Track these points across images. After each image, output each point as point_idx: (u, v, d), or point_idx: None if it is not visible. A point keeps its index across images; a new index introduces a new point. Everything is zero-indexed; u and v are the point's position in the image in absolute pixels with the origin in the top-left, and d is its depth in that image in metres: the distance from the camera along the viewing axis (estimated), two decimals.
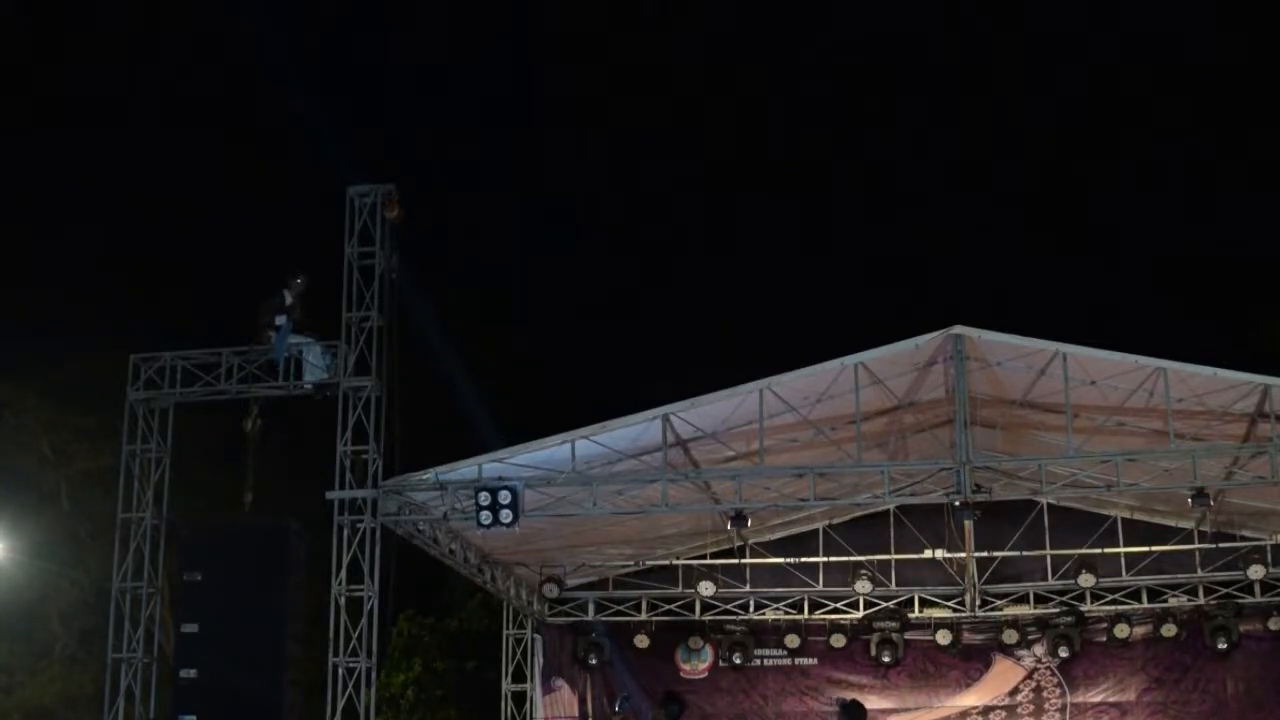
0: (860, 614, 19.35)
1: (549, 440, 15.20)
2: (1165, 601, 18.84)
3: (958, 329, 14.61)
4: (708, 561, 19.43)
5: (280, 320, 15.65)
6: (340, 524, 15.10)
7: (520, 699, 19.79)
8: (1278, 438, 14.11)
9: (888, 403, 15.95)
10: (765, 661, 19.77)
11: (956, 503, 14.84)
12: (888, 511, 18.80)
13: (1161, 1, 40.64)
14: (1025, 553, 18.79)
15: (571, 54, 41.80)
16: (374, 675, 15.24)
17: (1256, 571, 18.07)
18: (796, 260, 38.08)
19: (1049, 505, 18.59)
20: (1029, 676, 19.26)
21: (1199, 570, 18.62)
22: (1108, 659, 19.05)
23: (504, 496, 14.66)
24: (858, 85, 41.86)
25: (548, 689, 19.73)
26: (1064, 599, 18.95)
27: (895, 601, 19.27)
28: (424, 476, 15.34)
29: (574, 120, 41.16)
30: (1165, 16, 39.61)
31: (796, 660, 19.69)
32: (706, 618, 19.73)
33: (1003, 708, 19.24)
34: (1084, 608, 18.92)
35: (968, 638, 19.33)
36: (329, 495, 15.22)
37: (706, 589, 19.26)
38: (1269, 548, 18.13)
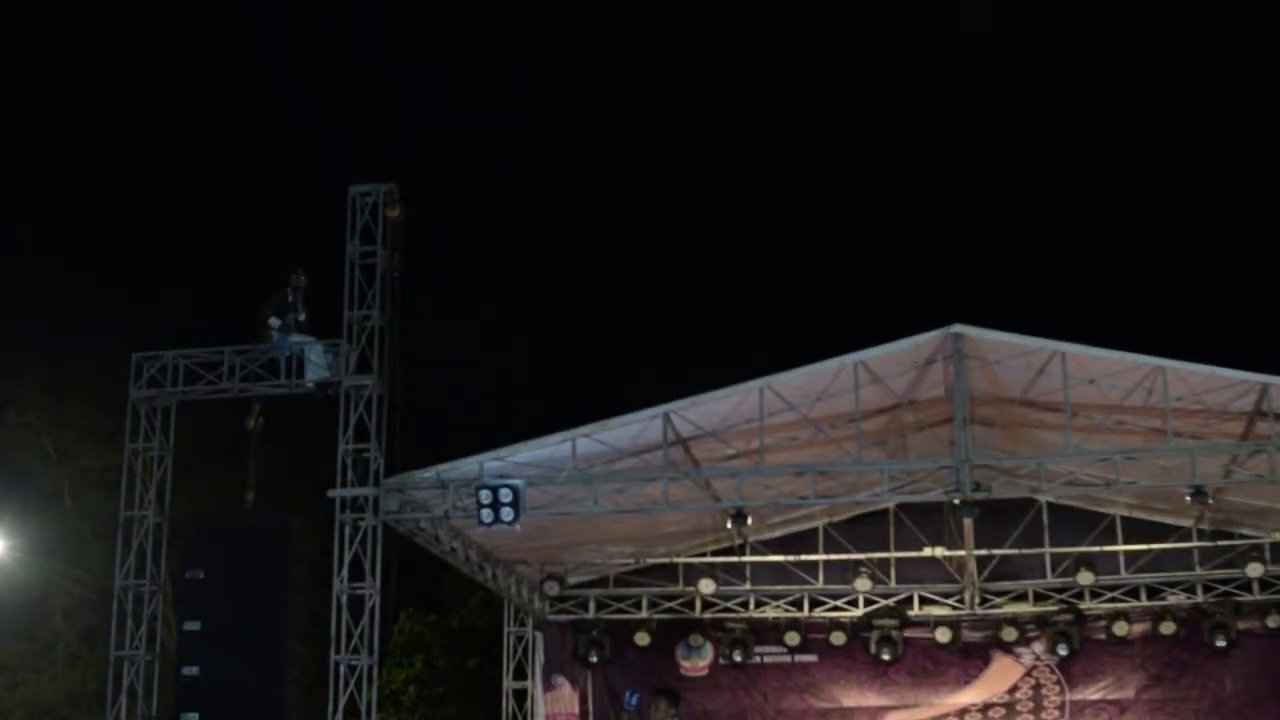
0: (860, 611, 19.41)
1: (550, 438, 15.26)
2: (1164, 599, 18.88)
3: (957, 327, 14.66)
4: (708, 559, 19.49)
5: (274, 322, 15.69)
6: (342, 522, 15.17)
7: (521, 696, 19.84)
8: (1276, 436, 14.16)
9: (887, 401, 16.00)
10: (765, 659, 19.80)
11: (956, 501, 14.88)
12: (887, 510, 18.85)
13: (1166, 6, 40.65)
14: (1024, 551, 18.83)
15: (571, 54, 41.86)
16: (375, 673, 15.30)
17: (1255, 569, 18.13)
18: (797, 258, 38.11)
19: (1048, 503, 18.64)
20: (1028, 674, 19.30)
21: (1197, 568, 18.67)
22: (1107, 656, 19.07)
23: (505, 495, 14.70)
24: (858, 84, 41.91)
25: (549, 686, 19.78)
26: (1063, 597, 18.99)
27: (895, 599, 19.33)
28: (425, 475, 15.40)
29: (575, 119, 41.19)
30: (1169, 19, 39.65)
31: (796, 658, 19.71)
32: (707, 615, 19.78)
33: (1002, 705, 19.27)
34: (1083, 605, 18.96)
35: (967, 635, 19.37)
36: (331, 493, 15.29)
37: (707, 587, 19.34)
38: (1267, 546, 18.18)
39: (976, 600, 19.19)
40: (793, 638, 19.50)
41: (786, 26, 42.65)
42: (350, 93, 41.59)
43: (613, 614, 19.92)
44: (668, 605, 19.80)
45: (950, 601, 19.33)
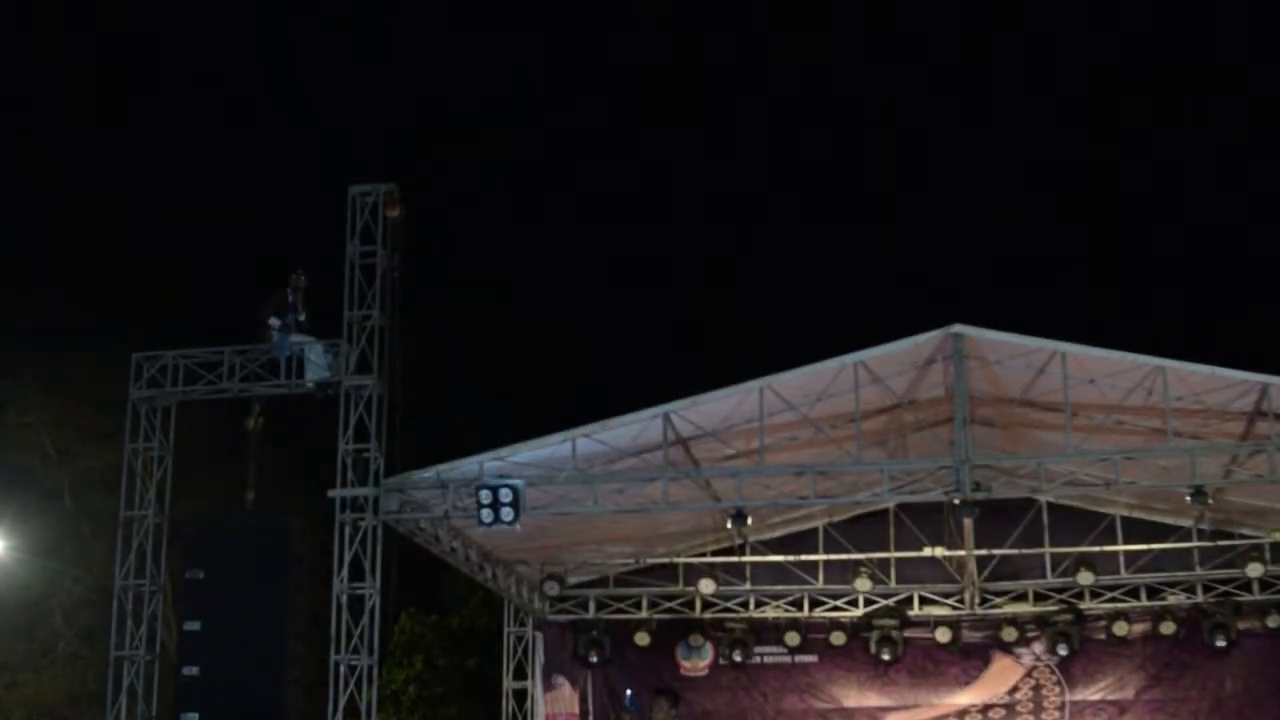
0: (860, 611, 19.41)
1: (550, 438, 15.26)
2: (1164, 599, 18.88)
3: (957, 327, 14.67)
4: (708, 559, 19.49)
5: (274, 322, 15.69)
6: (342, 522, 15.17)
7: (521, 696, 19.84)
8: (1276, 436, 14.16)
9: (887, 401, 16.01)
10: (765, 659, 19.80)
11: (956, 501, 14.88)
12: (887, 510, 18.86)
13: (1166, 6, 40.66)
14: (1024, 551, 18.84)
15: (572, 54, 41.84)
16: (375, 673, 15.30)
17: (1255, 569, 18.15)
18: (797, 258, 38.11)
19: (1048, 503, 18.64)
20: (1028, 674, 19.30)
21: (1197, 568, 18.68)
22: (1107, 657, 19.08)
23: (505, 495, 14.70)
24: (857, 85, 41.93)
25: (549, 686, 19.78)
26: (1063, 597, 19.00)
27: (895, 599, 19.33)
28: (425, 475, 15.40)
29: (575, 119, 41.19)
30: (1169, 18, 39.66)
31: (796, 658, 19.71)
32: (707, 615, 19.78)
33: (1002, 706, 19.27)
34: (1083, 605, 18.97)
35: (967, 635, 19.37)
36: (331, 493, 15.29)
37: (707, 587, 19.34)
38: (1267, 546, 18.20)
39: (976, 600, 19.19)
40: (793, 638, 19.50)
41: (786, 26, 42.67)
42: (350, 93, 41.60)
43: (613, 614, 19.92)
44: (668, 605, 19.80)
45: (950, 601, 19.33)
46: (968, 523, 16.77)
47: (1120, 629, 18.84)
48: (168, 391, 15.99)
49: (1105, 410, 15.38)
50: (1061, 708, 19.09)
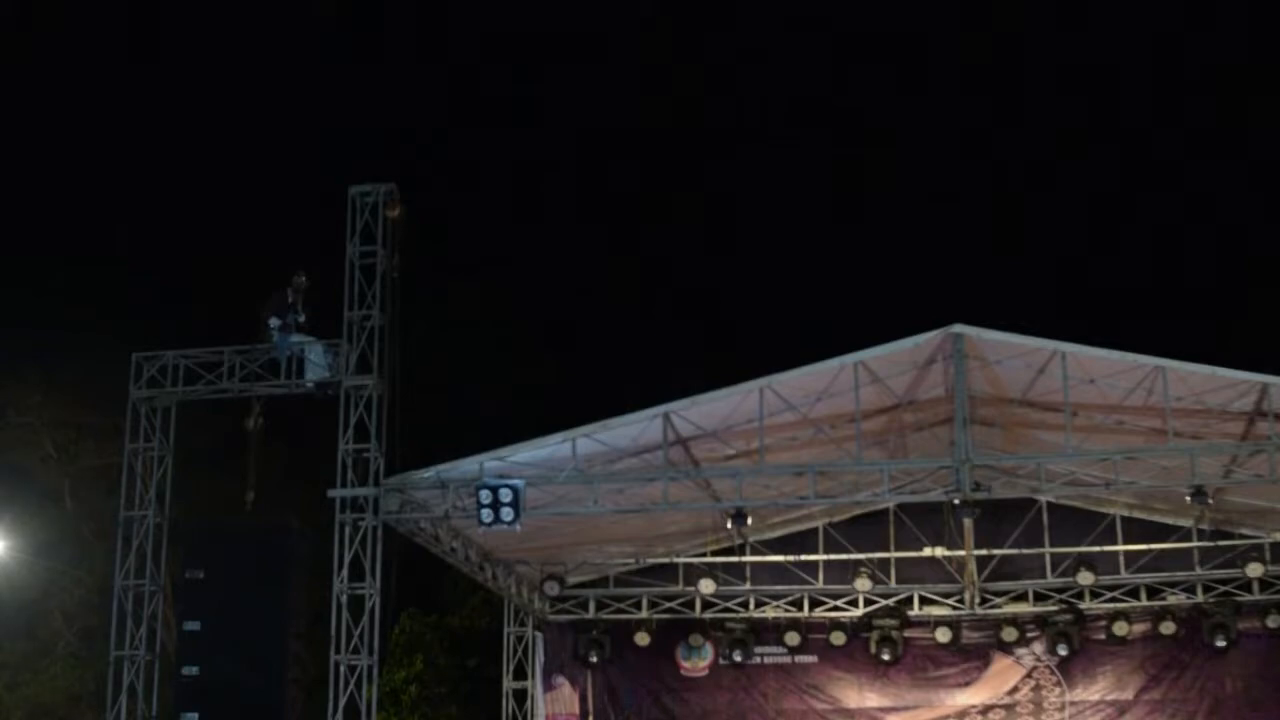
0: (860, 612, 19.41)
1: (550, 438, 15.27)
2: (1164, 599, 18.89)
3: (957, 327, 14.67)
4: (708, 559, 19.49)
5: (274, 322, 15.69)
6: (342, 522, 15.18)
7: (521, 696, 19.85)
8: (1276, 436, 14.17)
9: (887, 401, 16.00)
10: (765, 659, 19.82)
11: (956, 501, 14.89)
12: (887, 510, 18.88)
13: (1166, 6, 40.67)
14: (1024, 551, 18.86)
15: (571, 53, 41.86)
16: (375, 673, 15.31)
17: (1254, 569, 18.17)
18: (796, 259, 38.12)
19: (1048, 503, 18.67)
20: (1028, 675, 19.30)
21: (1197, 568, 18.69)
22: (1106, 657, 19.08)
23: (505, 495, 14.72)
24: (855, 85, 41.95)
25: (549, 686, 19.79)
26: (1063, 597, 19.00)
27: (895, 599, 19.34)
28: (425, 475, 15.41)
29: (574, 120, 41.21)
30: (1170, 19, 39.68)
31: (796, 658, 19.72)
32: (707, 615, 19.79)
33: (1002, 706, 19.27)
34: (1083, 605, 18.98)
35: (967, 635, 19.37)
36: (331, 493, 15.30)
37: (707, 587, 19.34)
38: (1267, 545, 18.22)
39: (976, 600, 19.20)
40: (793, 638, 19.51)
41: (786, 26, 42.67)
42: (350, 93, 41.59)
43: (613, 614, 19.93)
44: (668, 605, 19.81)
45: (950, 601, 19.33)
46: (968, 523, 16.77)
47: (1120, 629, 18.85)
48: (168, 391, 16.00)
49: (1105, 410, 15.39)
50: (1061, 708, 19.08)
